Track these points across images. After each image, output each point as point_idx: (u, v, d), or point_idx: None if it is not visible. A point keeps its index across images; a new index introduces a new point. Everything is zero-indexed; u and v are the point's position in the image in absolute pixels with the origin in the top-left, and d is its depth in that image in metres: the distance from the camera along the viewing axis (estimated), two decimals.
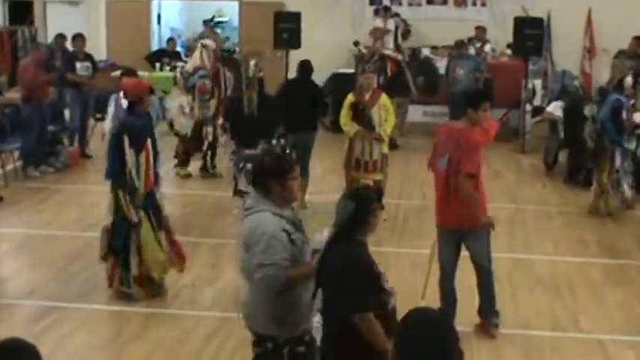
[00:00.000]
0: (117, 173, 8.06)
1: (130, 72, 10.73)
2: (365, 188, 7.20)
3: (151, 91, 8.60)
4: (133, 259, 8.19)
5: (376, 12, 19.47)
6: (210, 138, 13.37)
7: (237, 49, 18.39)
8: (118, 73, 19.19)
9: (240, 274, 5.30)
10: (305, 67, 12.00)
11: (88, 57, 15.00)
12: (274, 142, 10.71)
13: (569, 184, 13.38)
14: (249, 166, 10.51)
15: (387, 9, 19.23)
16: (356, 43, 18.18)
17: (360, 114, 10.94)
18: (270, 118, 10.59)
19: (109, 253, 8.29)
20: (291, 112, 11.16)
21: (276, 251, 4.88)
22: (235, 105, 10.99)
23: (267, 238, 4.88)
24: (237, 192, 10.61)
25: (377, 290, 4.85)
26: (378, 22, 18.79)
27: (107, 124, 10.27)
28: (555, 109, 14.43)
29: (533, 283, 9.28)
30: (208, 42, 13.59)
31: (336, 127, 13.50)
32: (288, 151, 5.10)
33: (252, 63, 10.86)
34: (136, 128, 8.07)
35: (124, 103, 9.52)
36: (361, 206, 4.89)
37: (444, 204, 7.70)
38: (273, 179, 4.99)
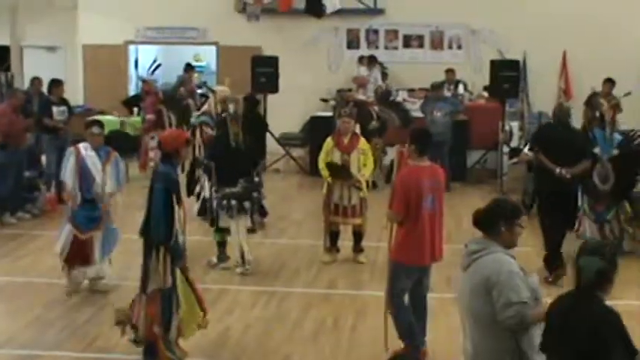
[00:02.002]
0: (165, 231, 7.54)
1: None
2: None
3: (187, 142, 8.15)
4: (175, 321, 7.74)
5: (360, 60, 19.65)
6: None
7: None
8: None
9: (467, 322, 5.23)
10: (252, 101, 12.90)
11: (64, 101, 14.95)
12: (255, 179, 10.87)
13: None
14: (233, 202, 10.57)
15: (371, 58, 19.44)
16: (324, 100, 18.26)
17: (338, 172, 10.93)
18: (247, 156, 10.69)
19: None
20: None
21: (521, 289, 4.92)
22: (219, 142, 10.96)
23: (514, 276, 4.93)
24: (218, 229, 10.76)
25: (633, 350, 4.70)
26: (363, 71, 18.99)
27: (68, 179, 9.64)
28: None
29: None
30: (219, 88, 13.59)
31: (315, 170, 13.50)
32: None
33: (230, 104, 10.91)
34: (177, 182, 7.76)
35: (91, 156, 9.57)
36: (609, 262, 4.73)
37: (428, 243, 7.73)
38: (504, 223, 5.10)
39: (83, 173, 9.56)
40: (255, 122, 13.44)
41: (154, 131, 15.32)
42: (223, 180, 10.54)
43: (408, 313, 7.89)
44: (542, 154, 10.56)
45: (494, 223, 5.13)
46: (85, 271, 9.74)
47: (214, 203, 10.68)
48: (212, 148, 11.12)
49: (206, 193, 11.12)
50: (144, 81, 17.28)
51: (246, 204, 10.53)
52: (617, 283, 4.85)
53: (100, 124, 10.18)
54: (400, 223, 7.68)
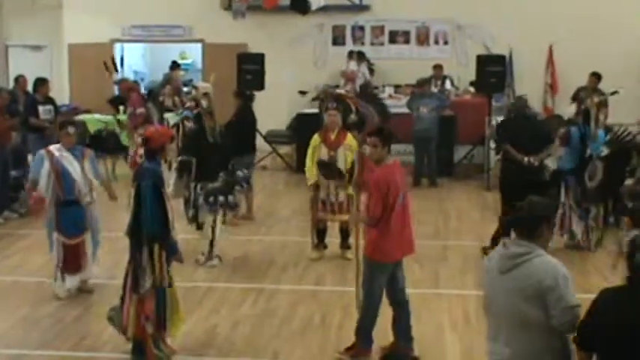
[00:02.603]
0: (160, 228, 7.46)
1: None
2: None
3: (172, 139, 8.37)
4: (169, 319, 7.75)
5: (350, 55, 19.65)
6: None
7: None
8: (79, 117, 19.29)
9: (505, 325, 5.05)
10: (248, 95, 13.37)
11: (50, 100, 14.91)
12: (239, 173, 10.90)
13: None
14: (221, 199, 10.60)
15: (360, 54, 19.46)
16: (302, 93, 18.17)
17: (329, 172, 10.89)
18: (224, 149, 10.80)
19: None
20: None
21: (573, 293, 4.89)
22: (196, 138, 10.97)
23: (568, 280, 4.87)
24: (199, 225, 10.84)
25: None
26: (352, 66, 18.99)
27: (42, 183, 9.43)
28: None
29: None
30: (201, 84, 13.63)
31: (302, 167, 13.50)
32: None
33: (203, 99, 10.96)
34: (163, 178, 7.71)
35: (66, 156, 9.40)
36: None
37: (401, 238, 7.76)
38: (545, 224, 5.03)
39: (63, 175, 9.41)
40: (249, 117, 13.54)
41: (142, 127, 15.21)
42: (204, 175, 10.62)
43: (376, 316, 7.87)
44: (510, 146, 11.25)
45: (538, 225, 5.00)
46: (78, 278, 9.66)
47: (199, 199, 10.70)
48: (189, 143, 11.14)
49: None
50: (121, 81, 17.17)
51: (230, 198, 10.61)
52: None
53: (74, 124, 10.18)
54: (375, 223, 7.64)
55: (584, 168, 11.56)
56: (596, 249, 11.49)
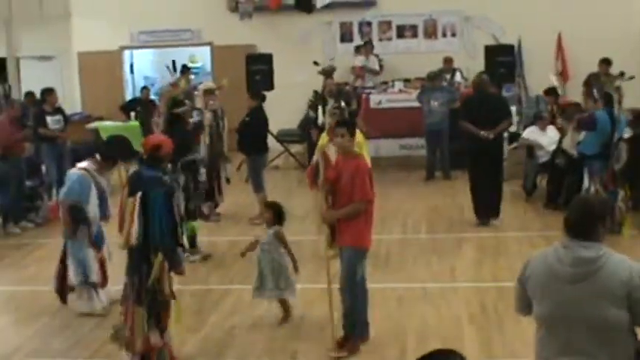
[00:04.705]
0: (170, 239, 7.39)
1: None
2: None
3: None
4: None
5: (357, 49, 19.62)
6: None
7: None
8: (92, 125, 19.35)
9: (583, 333, 4.73)
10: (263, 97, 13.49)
11: (59, 110, 14.97)
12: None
13: (549, 208, 13.37)
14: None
15: (367, 43, 19.42)
16: (316, 63, 18.02)
17: None
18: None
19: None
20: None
21: None
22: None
23: None
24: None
25: None
26: (358, 61, 18.95)
27: (92, 206, 9.26)
28: (531, 134, 14.49)
29: None
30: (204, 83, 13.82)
31: None
32: None
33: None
34: (173, 187, 7.67)
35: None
36: None
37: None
38: (602, 223, 4.81)
39: (102, 194, 9.38)
40: (262, 117, 13.68)
41: None
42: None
43: (367, 303, 8.03)
44: (469, 121, 12.52)
45: (595, 226, 4.75)
46: (107, 290, 9.50)
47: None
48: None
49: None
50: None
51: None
52: None
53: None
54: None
55: (610, 152, 11.56)
56: (620, 231, 11.44)
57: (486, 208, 12.74)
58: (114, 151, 9.73)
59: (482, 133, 12.38)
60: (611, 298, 4.60)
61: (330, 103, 11.74)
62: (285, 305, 8.81)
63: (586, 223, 4.75)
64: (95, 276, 9.34)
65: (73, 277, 9.35)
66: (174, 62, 18.29)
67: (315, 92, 17.54)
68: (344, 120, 8.14)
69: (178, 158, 10.69)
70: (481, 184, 12.69)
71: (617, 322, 4.64)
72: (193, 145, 11.79)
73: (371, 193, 7.82)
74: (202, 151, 12.64)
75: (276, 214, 8.95)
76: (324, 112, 11.44)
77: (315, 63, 17.75)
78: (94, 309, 9.32)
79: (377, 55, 19.71)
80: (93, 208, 9.27)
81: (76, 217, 9.19)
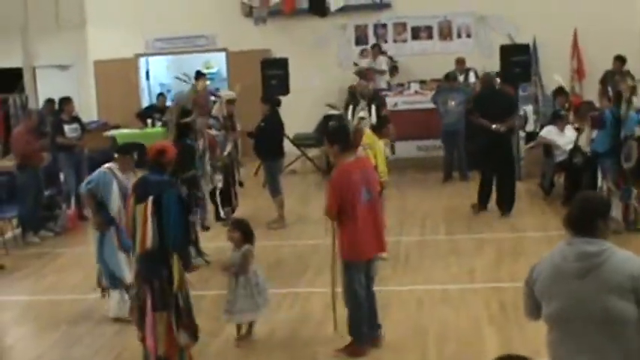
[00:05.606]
0: (182, 238, 7.45)
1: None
2: None
3: None
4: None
5: (362, 53, 19.63)
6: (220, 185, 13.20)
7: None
8: (110, 132, 19.43)
9: (592, 330, 4.68)
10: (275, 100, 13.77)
11: (76, 119, 15.03)
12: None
13: (567, 207, 13.26)
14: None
15: (375, 46, 19.40)
16: (355, 64, 18.40)
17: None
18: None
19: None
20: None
21: None
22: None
23: None
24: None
25: None
26: (364, 63, 18.93)
27: (114, 205, 9.23)
28: (548, 133, 14.44)
29: None
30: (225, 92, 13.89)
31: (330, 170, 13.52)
32: None
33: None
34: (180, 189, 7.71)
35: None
36: None
37: (370, 236, 7.85)
38: (603, 220, 4.81)
39: (124, 193, 9.13)
40: (277, 122, 13.76)
41: None
42: None
43: (363, 311, 7.97)
44: (480, 115, 13.38)
45: (595, 222, 4.75)
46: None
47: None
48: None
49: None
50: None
51: None
52: None
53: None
54: (340, 221, 7.79)
55: (619, 150, 11.52)
56: (636, 228, 11.39)
57: (500, 203, 13.32)
58: (130, 147, 9.86)
59: (494, 126, 13.12)
60: (617, 292, 4.59)
61: (362, 103, 11.79)
62: (252, 325, 8.63)
63: (586, 220, 4.78)
64: (128, 279, 9.20)
65: (104, 280, 9.39)
66: (184, 74, 18.34)
67: (350, 92, 17.48)
68: (324, 131, 8.18)
69: (180, 174, 10.69)
70: (495, 178, 13.33)
71: (626, 316, 4.61)
72: (196, 160, 11.81)
73: (329, 207, 7.79)
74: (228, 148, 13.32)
75: (243, 234, 8.55)
76: (353, 112, 11.40)
77: (355, 64, 17.99)
78: (124, 314, 9.25)
79: (391, 57, 19.69)
80: (115, 203, 9.22)
81: (95, 204, 9.27)
